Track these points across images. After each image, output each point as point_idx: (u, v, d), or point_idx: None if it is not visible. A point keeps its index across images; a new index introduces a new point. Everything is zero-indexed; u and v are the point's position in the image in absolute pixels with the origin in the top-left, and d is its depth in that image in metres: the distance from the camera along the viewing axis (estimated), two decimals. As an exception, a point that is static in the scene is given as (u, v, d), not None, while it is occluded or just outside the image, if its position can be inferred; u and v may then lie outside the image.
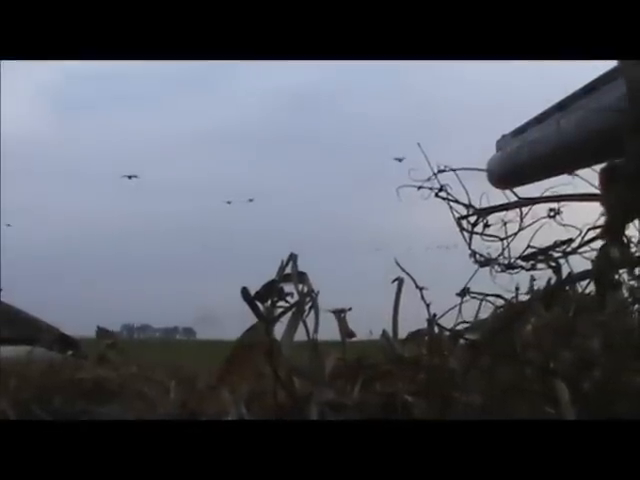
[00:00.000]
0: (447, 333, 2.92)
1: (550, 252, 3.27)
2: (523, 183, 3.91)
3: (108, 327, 4.99)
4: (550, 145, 3.70)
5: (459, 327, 3.00)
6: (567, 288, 2.90)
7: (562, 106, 3.73)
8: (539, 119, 3.98)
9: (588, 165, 3.34)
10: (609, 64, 3.24)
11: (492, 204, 3.63)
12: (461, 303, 3.14)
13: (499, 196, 3.71)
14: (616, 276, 2.85)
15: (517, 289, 3.10)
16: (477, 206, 3.58)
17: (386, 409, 2.60)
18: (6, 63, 2.70)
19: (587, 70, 3.38)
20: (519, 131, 4.20)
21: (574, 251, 3.18)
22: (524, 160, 3.99)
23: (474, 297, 3.15)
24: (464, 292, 3.17)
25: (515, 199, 3.67)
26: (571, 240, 3.27)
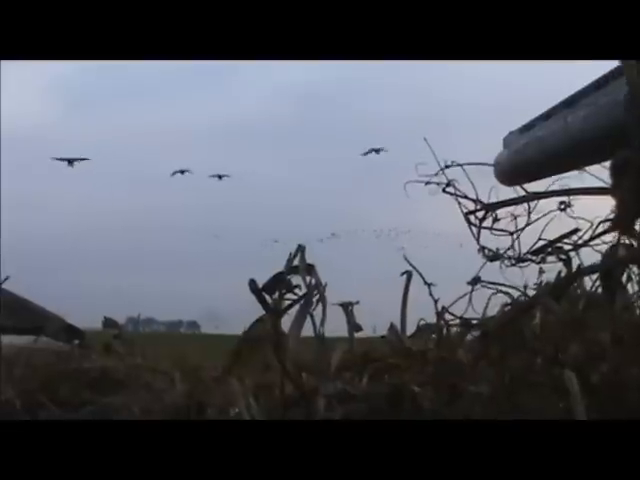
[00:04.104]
0: (457, 322, 2.92)
1: (560, 245, 3.27)
2: (530, 180, 3.91)
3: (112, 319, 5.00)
4: (557, 141, 3.70)
5: (469, 319, 3.00)
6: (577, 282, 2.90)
7: (569, 102, 3.73)
8: (546, 116, 3.98)
9: (595, 161, 3.34)
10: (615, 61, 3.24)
11: (500, 199, 3.61)
12: (472, 291, 3.14)
13: (507, 191, 3.70)
14: (625, 272, 2.86)
15: (527, 285, 3.11)
16: (485, 201, 3.56)
17: (393, 401, 2.60)
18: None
19: (594, 67, 3.38)
20: (526, 128, 4.19)
21: (585, 244, 3.17)
22: (531, 156, 3.99)
23: (484, 286, 3.16)
24: (475, 281, 3.17)
25: (523, 194, 3.65)
26: (579, 230, 3.26)
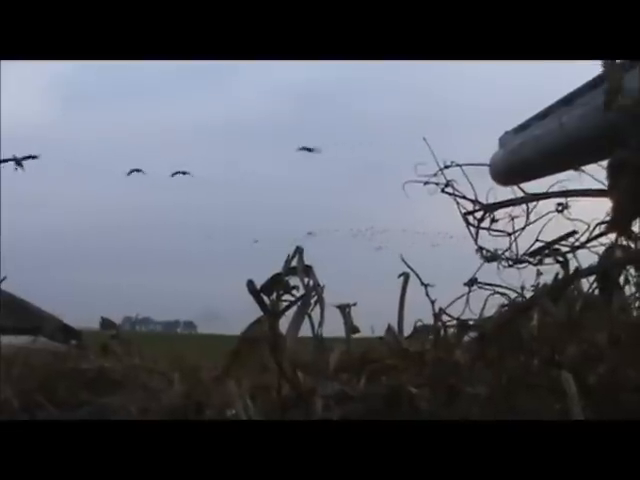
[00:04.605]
0: (454, 322, 2.93)
1: (558, 246, 3.27)
2: (526, 179, 3.91)
3: (109, 319, 4.99)
4: (553, 141, 3.70)
5: (466, 320, 3.00)
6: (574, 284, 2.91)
7: (565, 102, 3.73)
8: (542, 115, 3.98)
9: (591, 161, 3.34)
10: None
11: (499, 200, 3.61)
12: (469, 293, 3.15)
13: (505, 192, 3.70)
14: (623, 273, 2.87)
15: (524, 286, 3.11)
16: (483, 202, 3.56)
17: (391, 402, 2.61)
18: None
19: (594, 67, 3.38)
20: (522, 127, 4.19)
21: (582, 246, 3.17)
22: (527, 156, 3.99)
23: (481, 287, 3.16)
24: (472, 282, 3.18)
25: (522, 195, 3.65)
26: (577, 232, 3.27)
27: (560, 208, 3.39)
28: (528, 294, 3.07)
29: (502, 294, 3.17)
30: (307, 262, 2.72)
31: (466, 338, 2.94)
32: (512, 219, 3.47)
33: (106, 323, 4.79)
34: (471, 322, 3.04)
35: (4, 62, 3.17)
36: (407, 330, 3.18)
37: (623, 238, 2.88)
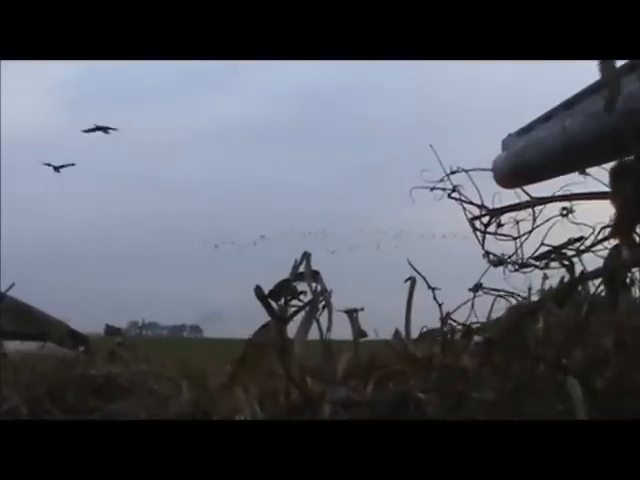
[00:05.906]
0: (460, 328, 2.93)
1: (563, 251, 3.28)
2: (529, 182, 3.92)
3: (115, 324, 5.01)
4: (556, 143, 3.71)
5: (472, 323, 3.01)
6: (580, 287, 2.91)
7: (567, 105, 3.74)
8: (545, 118, 4.00)
9: (594, 164, 3.35)
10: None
11: (504, 204, 3.62)
12: (474, 298, 3.15)
13: (511, 196, 3.71)
14: (628, 276, 2.88)
15: (530, 287, 3.12)
16: (489, 206, 3.57)
17: (399, 407, 2.61)
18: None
19: (594, 68, 3.39)
20: (525, 130, 4.21)
21: (587, 250, 3.18)
22: (530, 159, 4.00)
23: (487, 292, 3.17)
24: (477, 287, 3.19)
25: (527, 198, 3.66)
26: (584, 238, 3.27)
27: (565, 212, 3.40)
28: (534, 298, 3.08)
29: (509, 294, 3.18)
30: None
31: (473, 342, 2.95)
32: (517, 223, 3.49)
33: (111, 330, 4.80)
34: (477, 324, 3.05)
35: (4, 62, 3.17)
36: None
37: (627, 244, 2.88)
